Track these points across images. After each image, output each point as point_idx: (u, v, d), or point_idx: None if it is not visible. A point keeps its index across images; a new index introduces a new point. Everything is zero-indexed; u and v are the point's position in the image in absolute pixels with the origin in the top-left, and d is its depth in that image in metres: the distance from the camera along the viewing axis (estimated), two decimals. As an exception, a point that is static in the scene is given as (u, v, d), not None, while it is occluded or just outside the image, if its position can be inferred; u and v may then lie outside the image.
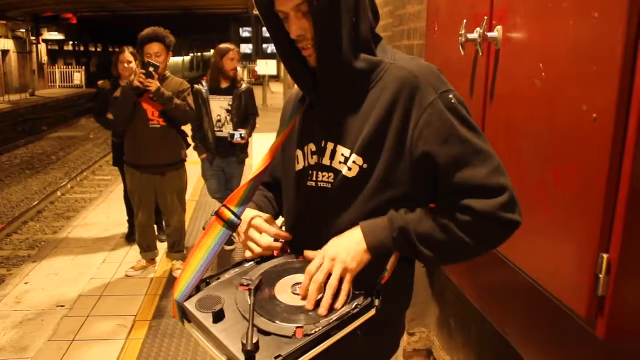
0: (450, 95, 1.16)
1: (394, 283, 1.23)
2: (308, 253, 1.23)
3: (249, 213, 1.33)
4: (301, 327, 1.04)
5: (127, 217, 5.16)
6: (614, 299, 1.18)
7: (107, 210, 6.25)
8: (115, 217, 5.83)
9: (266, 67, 17.67)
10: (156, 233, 4.64)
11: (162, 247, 4.64)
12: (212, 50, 5.82)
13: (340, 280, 1.12)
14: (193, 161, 4.66)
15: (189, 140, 4.38)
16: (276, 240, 1.32)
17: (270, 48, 35.04)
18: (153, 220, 4.40)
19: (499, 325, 1.93)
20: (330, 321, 1.06)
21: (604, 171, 1.16)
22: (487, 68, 1.75)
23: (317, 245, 1.21)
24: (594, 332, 1.23)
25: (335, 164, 1.23)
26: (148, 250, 4.39)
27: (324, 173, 1.25)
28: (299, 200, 1.32)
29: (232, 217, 1.26)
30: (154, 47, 3.92)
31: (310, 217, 1.29)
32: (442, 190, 1.17)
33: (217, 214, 1.27)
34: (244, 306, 1.11)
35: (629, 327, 1.22)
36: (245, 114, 4.65)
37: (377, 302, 1.13)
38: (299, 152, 1.32)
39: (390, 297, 1.19)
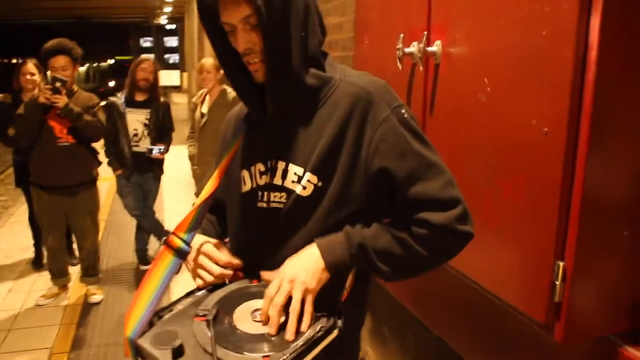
0: (403, 110, 1.16)
1: (351, 301, 1.21)
2: (265, 274, 1.18)
3: (198, 239, 1.27)
4: (268, 356, 1.00)
5: (33, 242, 4.80)
6: (569, 304, 1.24)
7: (8, 235, 5.79)
8: (19, 242, 5.41)
9: (169, 78, 17.24)
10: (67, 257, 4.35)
11: (74, 271, 4.36)
12: (109, 61, 5.54)
13: (302, 302, 1.09)
14: (102, 178, 4.43)
15: (101, 157, 4.16)
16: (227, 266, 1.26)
17: (173, 58, 34.37)
18: (65, 244, 4.13)
19: (441, 332, 1.97)
20: (297, 347, 1.03)
21: (558, 182, 1.21)
22: (426, 82, 1.79)
23: (272, 267, 1.18)
24: (551, 337, 1.28)
25: (287, 184, 1.19)
26: (60, 276, 4.11)
27: (276, 193, 1.21)
28: (249, 223, 1.27)
29: (182, 245, 1.20)
30: (60, 61, 3.69)
31: (263, 239, 1.24)
32: (398, 204, 1.17)
33: (167, 243, 1.20)
34: (204, 339, 1.05)
35: (584, 330, 1.28)
36: (162, 129, 4.50)
37: (339, 322, 1.10)
38: (245, 173, 1.27)
39: (348, 316, 1.17)
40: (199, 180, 4.81)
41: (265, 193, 1.22)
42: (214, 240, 1.29)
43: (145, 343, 1.06)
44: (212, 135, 4.48)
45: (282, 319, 1.07)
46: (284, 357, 0.99)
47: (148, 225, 4.68)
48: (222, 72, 4.60)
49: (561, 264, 1.23)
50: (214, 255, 1.24)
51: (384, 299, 2.81)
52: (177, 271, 1.22)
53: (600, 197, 1.22)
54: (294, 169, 1.18)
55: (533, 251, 1.30)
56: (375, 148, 1.14)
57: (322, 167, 1.15)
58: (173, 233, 1.21)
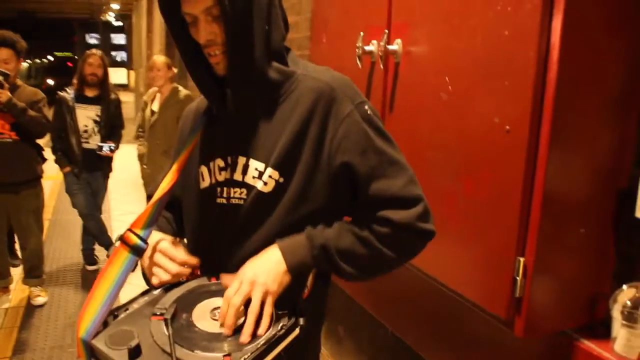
0: (366, 107, 1.16)
1: (312, 299, 1.20)
2: (225, 278, 1.15)
3: (154, 236, 1.22)
4: (228, 354, 0.97)
5: (-30, 243, 4.58)
6: (530, 299, 1.26)
7: (-59, 236, 5.49)
8: (-47, 243, 5.14)
9: (116, 76, 16.83)
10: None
11: (15, 272, 4.18)
12: (51, 57, 5.37)
13: (262, 304, 1.07)
14: (47, 176, 4.26)
15: (46, 154, 4.00)
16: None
17: (120, 56, 33.54)
18: (6, 244, 3.95)
19: (398, 329, 1.98)
20: (259, 346, 1.00)
21: (519, 179, 1.23)
22: (386, 81, 1.79)
23: (231, 264, 1.15)
24: (512, 333, 1.30)
25: (248, 179, 1.17)
26: (0, 278, 3.93)
27: (236, 189, 1.18)
28: (208, 219, 1.24)
29: (138, 241, 1.15)
30: (2, 53, 3.54)
31: (222, 237, 1.21)
32: (360, 202, 1.16)
33: (122, 239, 1.15)
34: (162, 339, 1.01)
35: (543, 325, 1.31)
36: (113, 126, 4.38)
37: (302, 320, 1.08)
38: (203, 169, 1.24)
39: (309, 314, 1.15)
40: (148, 179, 4.70)
41: (225, 189, 1.19)
42: (170, 238, 1.24)
43: (99, 344, 1.02)
44: (161, 134, 4.39)
45: (241, 320, 1.05)
46: (245, 357, 0.97)
47: (94, 228, 4.54)
48: (173, 70, 4.53)
49: (522, 259, 1.25)
50: (170, 252, 1.19)
51: (338, 298, 2.80)
52: (133, 269, 1.18)
53: (559, 194, 1.25)
54: (255, 165, 1.15)
55: (494, 248, 1.32)
56: (338, 144, 1.12)
57: (284, 162, 1.13)
58: (129, 229, 1.16)
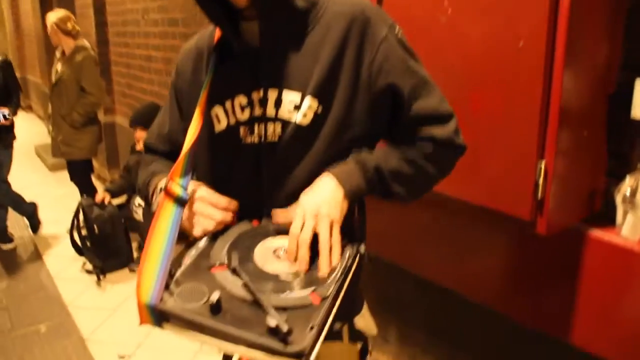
0: (397, 28, 1.16)
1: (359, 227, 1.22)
2: (278, 216, 1.13)
3: (189, 186, 1.18)
4: (314, 290, 0.96)
5: None
6: (551, 200, 1.39)
7: None
8: None
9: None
10: None
11: None
12: None
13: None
14: None
15: None
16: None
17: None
18: None
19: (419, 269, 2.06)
20: (337, 277, 1.00)
21: (537, 91, 1.33)
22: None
23: (274, 204, 1.14)
24: (535, 231, 1.43)
25: (282, 114, 1.13)
26: None
27: (269, 125, 1.15)
28: (235, 163, 1.20)
29: (181, 192, 1.11)
30: None
31: (258, 178, 1.19)
32: (401, 123, 1.18)
33: (166, 191, 1.10)
34: (236, 289, 0.97)
35: (559, 221, 1.44)
36: (7, 91, 4.01)
37: (362, 247, 1.10)
38: (218, 110, 1.20)
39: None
40: (54, 144, 4.38)
41: (253, 127, 1.16)
42: (203, 185, 1.21)
43: (171, 306, 0.95)
44: (61, 96, 4.12)
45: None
46: (331, 289, 0.96)
47: (5, 200, 4.20)
48: (68, 26, 4.17)
49: (543, 162, 1.36)
50: (211, 199, 1.15)
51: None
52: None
53: (571, 102, 1.37)
54: (290, 96, 1.12)
55: (514, 156, 1.42)
56: (379, 67, 1.13)
57: (323, 89, 1.11)
58: (170, 179, 1.11)
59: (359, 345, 1.28)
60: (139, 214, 3.86)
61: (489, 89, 1.45)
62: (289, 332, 0.85)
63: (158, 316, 0.96)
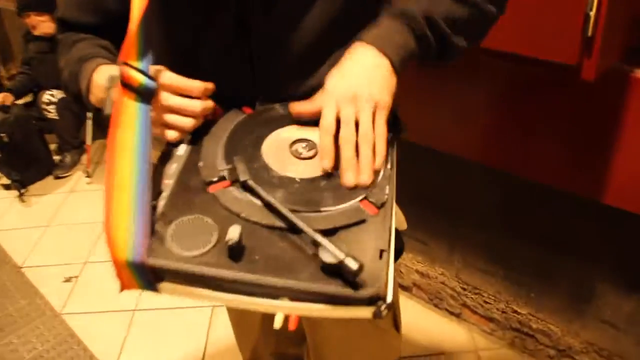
0: None
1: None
2: (297, 104, 0.80)
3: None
4: (364, 198, 0.68)
5: None
6: (602, 38, 1.10)
7: None
8: None
9: None
10: None
11: None
12: None
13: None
14: None
15: None
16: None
17: None
18: None
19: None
20: (388, 172, 0.72)
21: None
22: None
23: (268, 87, 0.86)
24: (580, 77, 1.15)
25: None
26: None
27: None
28: (208, 29, 0.85)
29: (143, 79, 0.71)
30: None
31: (242, 50, 0.85)
32: None
33: (122, 81, 0.71)
34: (257, 213, 0.65)
35: (605, 63, 1.17)
36: None
37: (405, 127, 0.83)
38: None
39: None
40: None
41: None
42: (163, 68, 0.82)
43: (167, 259, 0.61)
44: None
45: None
46: (387, 191, 0.69)
47: None
48: None
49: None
50: (181, 84, 0.77)
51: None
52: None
53: None
54: None
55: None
56: None
57: None
58: (125, 63, 0.72)
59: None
60: (52, 112, 3.36)
61: None
62: (360, 268, 0.56)
63: (148, 276, 0.63)
